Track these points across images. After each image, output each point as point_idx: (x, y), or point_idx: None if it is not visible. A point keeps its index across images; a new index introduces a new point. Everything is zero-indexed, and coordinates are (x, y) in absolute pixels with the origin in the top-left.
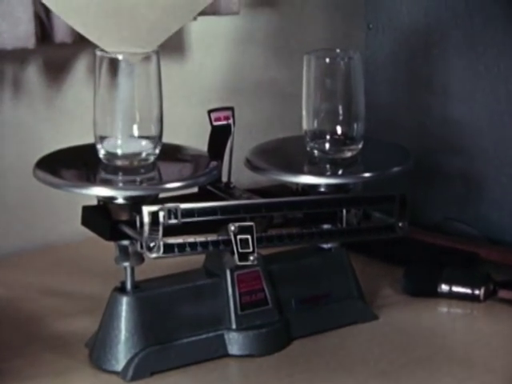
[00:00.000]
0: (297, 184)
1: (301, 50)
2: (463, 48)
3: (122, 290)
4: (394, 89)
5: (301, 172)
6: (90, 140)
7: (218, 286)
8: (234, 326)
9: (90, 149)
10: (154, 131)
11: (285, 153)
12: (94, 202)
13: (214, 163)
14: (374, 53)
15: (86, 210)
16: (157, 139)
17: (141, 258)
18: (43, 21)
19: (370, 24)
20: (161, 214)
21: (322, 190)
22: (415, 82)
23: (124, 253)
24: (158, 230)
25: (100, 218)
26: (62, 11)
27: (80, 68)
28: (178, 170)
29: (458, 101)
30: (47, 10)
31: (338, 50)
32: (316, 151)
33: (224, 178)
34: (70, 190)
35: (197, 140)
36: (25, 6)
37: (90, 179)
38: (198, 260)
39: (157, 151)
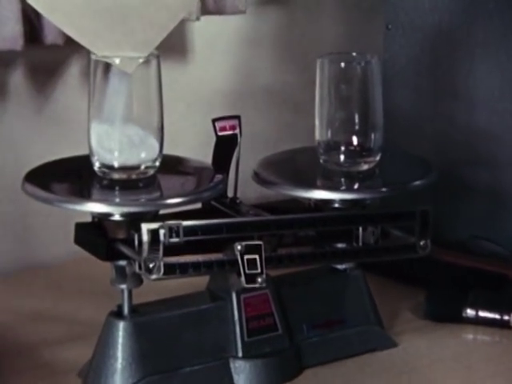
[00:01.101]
0: (309, 199)
1: (313, 53)
2: (491, 50)
3: (118, 314)
4: (415, 95)
5: (313, 186)
6: (83, 151)
7: (222, 310)
8: (240, 354)
9: (84, 161)
10: (153, 141)
11: (296, 165)
12: (89, 219)
13: (218, 177)
14: (393, 56)
15: (80, 227)
16: (157, 150)
17: (139, 280)
18: (32, 20)
19: (389, 24)
20: (161, 232)
21: (337, 205)
22: (438, 87)
23: (121, 274)
24: (158, 250)
25: (95, 236)
26: (50, 12)
27: (73, 72)
28: (180, 184)
29: (484, 108)
30: None
31: (353, 54)
32: (330, 164)
33: (230, 193)
34: (62, 206)
35: (200, 151)
36: (12, 3)
37: (84, 194)
38: (201, 282)
39: (157, 163)
